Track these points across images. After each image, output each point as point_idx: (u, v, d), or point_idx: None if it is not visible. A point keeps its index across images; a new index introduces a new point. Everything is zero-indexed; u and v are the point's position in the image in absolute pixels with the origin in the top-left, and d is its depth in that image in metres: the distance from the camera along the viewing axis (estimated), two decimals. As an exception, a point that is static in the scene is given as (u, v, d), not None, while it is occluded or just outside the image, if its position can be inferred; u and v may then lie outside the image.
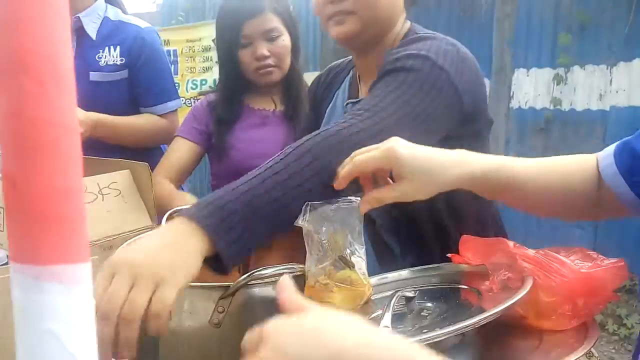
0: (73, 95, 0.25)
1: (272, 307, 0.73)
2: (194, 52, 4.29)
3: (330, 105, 1.13)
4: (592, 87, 3.35)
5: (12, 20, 0.23)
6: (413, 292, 0.71)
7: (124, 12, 1.64)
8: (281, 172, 0.70)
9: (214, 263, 0.66)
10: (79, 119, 1.33)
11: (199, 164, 1.54)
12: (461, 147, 0.71)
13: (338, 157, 0.71)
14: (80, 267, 0.26)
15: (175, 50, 4.30)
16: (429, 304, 0.68)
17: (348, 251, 0.70)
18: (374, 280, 0.79)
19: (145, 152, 1.60)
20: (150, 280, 0.57)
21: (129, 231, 1.12)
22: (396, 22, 0.99)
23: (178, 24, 4.84)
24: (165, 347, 0.68)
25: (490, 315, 0.56)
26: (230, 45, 1.39)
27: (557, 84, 3.43)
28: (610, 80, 3.27)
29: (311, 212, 0.68)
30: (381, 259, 0.98)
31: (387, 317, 0.63)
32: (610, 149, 0.72)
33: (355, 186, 0.72)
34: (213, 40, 3.82)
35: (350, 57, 1.13)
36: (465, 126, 0.90)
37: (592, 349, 0.61)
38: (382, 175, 0.72)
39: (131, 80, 1.58)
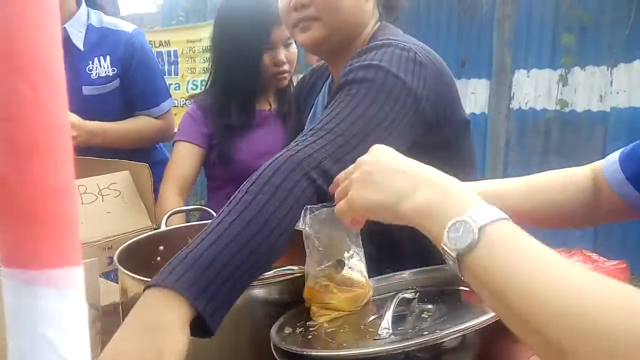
0: (64, 97, 0.24)
1: (272, 308, 0.73)
2: (194, 52, 4.28)
3: (312, 111, 1.11)
4: (593, 88, 3.35)
5: (2, 22, 0.23)
6: (413, 293, 0.71)
7: (106, 13, 1.60)
8: (249, 209, 0.66)
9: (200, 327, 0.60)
10: (72, 123, 1.32)
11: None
12: (431, 156, 0.62)
13: (299, 181, 0.69)
14: (73, 270, 0.25)
15: (175, 51, 4.29)
16: (430, 306, 0.68)
17: (347, 254, 0.69)
18: (374, 281, 0.79)
19: (143, 150, 1.61)
20: None
21: (129, 232, 1.12)
22: (365, 25, 0.96)
23: (178, 24, 4.83)
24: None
25: (491, 317, 0.56)
26: (253, 50, 1.39)
27: (560, 85, 3.43)
28: (611, 82, 3.27)
29: (311, 216, 0.68)
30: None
31: (388, 319, 0.63)
32: (614, 157, 0.73)
33: None
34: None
35: None
36: (431, 134, 0.86)
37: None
38: None
39: (124, 87, 1.56)
